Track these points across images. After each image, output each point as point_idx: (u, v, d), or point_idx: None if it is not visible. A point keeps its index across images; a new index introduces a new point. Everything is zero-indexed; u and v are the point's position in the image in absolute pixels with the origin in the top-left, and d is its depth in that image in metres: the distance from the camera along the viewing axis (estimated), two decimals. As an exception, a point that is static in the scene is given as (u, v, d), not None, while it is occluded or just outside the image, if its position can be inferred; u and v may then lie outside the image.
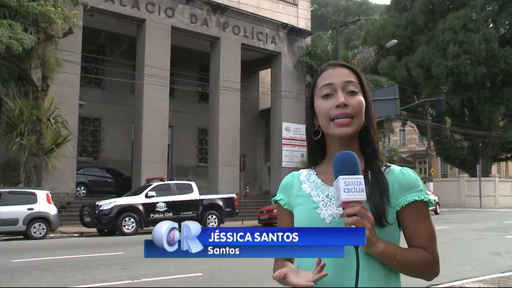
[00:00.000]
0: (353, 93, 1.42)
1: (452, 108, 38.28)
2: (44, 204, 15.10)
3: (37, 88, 17.54)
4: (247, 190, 26.61)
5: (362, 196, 1.23)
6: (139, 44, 22.89)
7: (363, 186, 1.24)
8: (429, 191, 28.72)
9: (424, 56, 33.97)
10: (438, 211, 26.67)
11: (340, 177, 1.24)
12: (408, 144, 52.27)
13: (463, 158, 37.95)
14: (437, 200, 27.14)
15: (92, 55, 23.31)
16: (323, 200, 1.42)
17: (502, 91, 34.99)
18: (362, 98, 1.43)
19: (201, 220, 17.89)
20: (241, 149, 24.59)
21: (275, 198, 1.58)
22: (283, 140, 26.45)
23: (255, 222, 20.33)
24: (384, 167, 1.46)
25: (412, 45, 35.62)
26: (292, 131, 26.54)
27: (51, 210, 15.27)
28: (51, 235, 15.48)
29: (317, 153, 1.54)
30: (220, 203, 18.56)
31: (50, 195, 15.54)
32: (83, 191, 21.91)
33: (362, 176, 1.25)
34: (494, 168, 43.71)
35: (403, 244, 1.43)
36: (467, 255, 10.16)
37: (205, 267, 8.62)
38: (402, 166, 1.53)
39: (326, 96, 1.43)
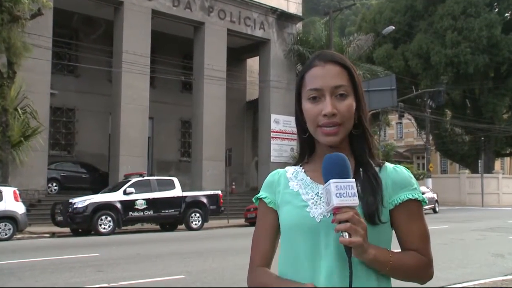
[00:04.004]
0: (342, 96, 1.42)
1: (453, 100, 38.55)
2: (10, 202, 14.90)
3: (2, 75, 17.25)
4: (233, 187, 26.62)
5: (355, 201, 1.25)
6: (116, 29, 22.68)
7: (355, 191, 1.26)
8: (428, 188, 28.98)
9: (422, 45, 34.11)
10: (437, 209, 26.91)
11: (331, 180, 1.26)
12: (405, 138, 52.66)
13: (464, 153, 38.28)
14: (436, 198, 27.38)
15: (65, 39, 23.08)
16: (313, 199, 1.43)
17: (506, 82, 35.27)
18: (351, 102, 1.43)
19: (184, 218, 17.88)
20: (226, 143, 24.57)
21: (258, 195, 1.57)
22: (271, 133, 26.47)
23: (241, 221, 20.36)
24: (376, 164, 1.47)
25: (411, 32, 35.74)
26: (282, 123, 26.55)
27: (19, 208, 15.07)
28: (19, 235, 15.32)
29: (307, 149, 1.55)
30: (204, 200, 18.55)
31: (17, 192, 15.33)
32: (55, 187, 21.74)
33: (354, 180, 1.28)
34: (497, 164, 44.19)
35: (395, 243, 1.44)
36: (467, 256, 10.24)
37: (187, 269, 8.60)
38: (398, 161, 1.53)
39: (314, 99, 1.43)
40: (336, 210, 1.25)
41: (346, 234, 1.24)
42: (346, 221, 1.24)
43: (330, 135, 1.40)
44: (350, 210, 1.24)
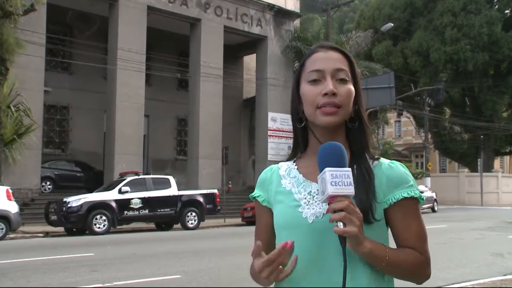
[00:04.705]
0: (343, 81, 1.42)
1: (452, 98, 38.60)
2: (3, 201, 14.80)
3: (-6, 71, 17.22)
4: (230, 185, 26.58)
5: (351, 190, 1.22)
6: (111, 25, 22.61)
7: (351, 180, 1.23)
8: (427, 187, 29.04)
9: (421, 42, 34.15)
10: (436, 208, 26.97)
11: (326, 169, 1.23)
12: (404, 136, 52.72)
13: (463, 152, 38.35)
14: (435, 197, 27.43)
15: (59, 36, 22.97)
16: (305, 198, 1.42)
17: (506, 80, 35.34)
18: (352, 87, 1.43)
19: (180, 217, 17.86)
20: (223, 141, 24.53)
21: (252, 194, 1.58)
22: (268, 131, 26.45)
23: (238, 220, 20.35)
24: (372, 160, 1.45)
25: (410, 29, 35.77)
26: (279, 121, 26.54)
27: (12, 207, 14.99)
28: (11, 235, 15.24)
29: (300, 143, 1.53)
30: (201, 199, 18.53)
31: (10, 191, 15.24)
32: (49, 186, 21.68)
33: (350, 169, 1.25)
34: (496, 162, 44.30)
35: (391, 244, 1.42)
36: (467, 256, 10.25)
37: (183, 269, 8.59)
38: (397, 160, 1.51)
39: (314, 82, 1.42)
40: (331, 199, 1.22)
41: (341, 224, 1.21)
42: (341, 210, 1.21)
43: (329, 115, 1.39)
44: (345, 199, 1.22)
